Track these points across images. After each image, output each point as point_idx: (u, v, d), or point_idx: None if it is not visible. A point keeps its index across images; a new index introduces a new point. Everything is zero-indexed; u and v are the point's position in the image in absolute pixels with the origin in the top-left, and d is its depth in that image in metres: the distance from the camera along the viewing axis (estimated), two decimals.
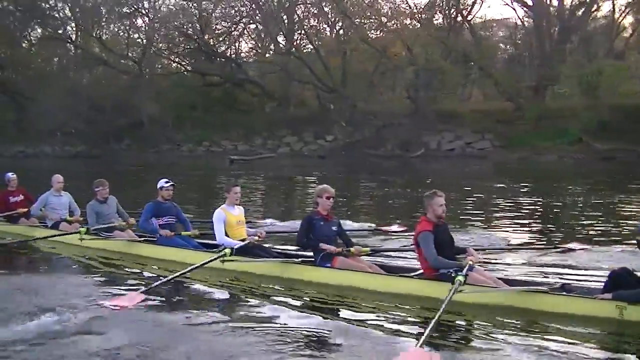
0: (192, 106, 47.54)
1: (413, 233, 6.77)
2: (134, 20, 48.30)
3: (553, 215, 14.70)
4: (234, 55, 45.98)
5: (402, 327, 5.64)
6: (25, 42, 56.41)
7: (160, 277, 7.07)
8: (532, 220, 13.20)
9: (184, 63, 47.13)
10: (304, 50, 45.63)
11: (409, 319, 5.96)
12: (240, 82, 46.85)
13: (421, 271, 6.67)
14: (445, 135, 41.06)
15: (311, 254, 7.36)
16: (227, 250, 7.38)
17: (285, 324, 5.62)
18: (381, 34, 43.58)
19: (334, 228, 7.31)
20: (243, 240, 7.85)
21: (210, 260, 7.21)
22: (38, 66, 55.27)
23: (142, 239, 9.08)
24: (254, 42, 49.35)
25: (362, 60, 44.41)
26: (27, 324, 5.36)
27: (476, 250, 6.89)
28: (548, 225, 12.67)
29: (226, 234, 7.86)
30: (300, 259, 7.47)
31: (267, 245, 8.28)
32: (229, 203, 8.01)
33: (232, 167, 34.82)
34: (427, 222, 6.43)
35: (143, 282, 7.25)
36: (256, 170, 32.39)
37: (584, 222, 12.62)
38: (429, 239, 6.27)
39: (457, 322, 5.85)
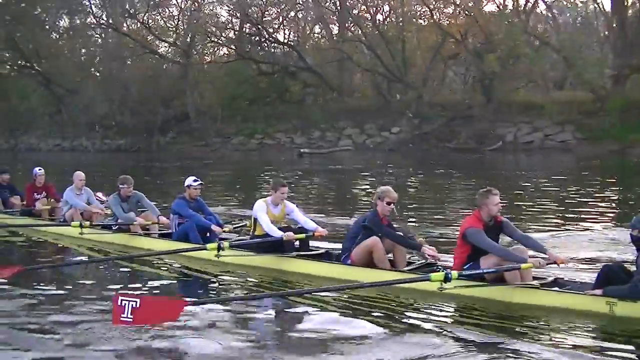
0: (241, 97, 44.53)
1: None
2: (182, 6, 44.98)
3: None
4: (293, 42, 42.17)
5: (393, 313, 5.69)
6: (59, 31, 53.38)
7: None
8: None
9: (236, 51, 43.62)
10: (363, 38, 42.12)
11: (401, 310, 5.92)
12: (294, 71, 43.70)
13: (424, 262, 6.79)
14: (521, 127, 37.93)
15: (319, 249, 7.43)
16: (216, 245, 7.25)
17: (285, 322, 5.61)
18: (451, 20, 40.13)
19: None
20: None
21: (195, 249, 7.28)
22: (76, 56, 52.34)
23: (144, 232, 9.11)
24: (308, 28, 45.67)
25: (429, 47, 41.05)
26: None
27: None
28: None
29: (256, 228, 7.75)
30: (295, 253, 7.37)
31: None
32: (272, 201, 7.81)
33: (301, 161, 32.02)
34: (477, 220, 6.25)
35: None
36: (328, 163, 29.59)
37: None
38: (479, 233, 6.12)
39: (443, 317, 5.78)
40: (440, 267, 6.33)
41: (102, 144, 48.55)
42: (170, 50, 47.22)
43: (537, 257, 6.14)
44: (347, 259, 6.91)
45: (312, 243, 7.96)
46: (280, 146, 41.51)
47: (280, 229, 7.65)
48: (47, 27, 54.45)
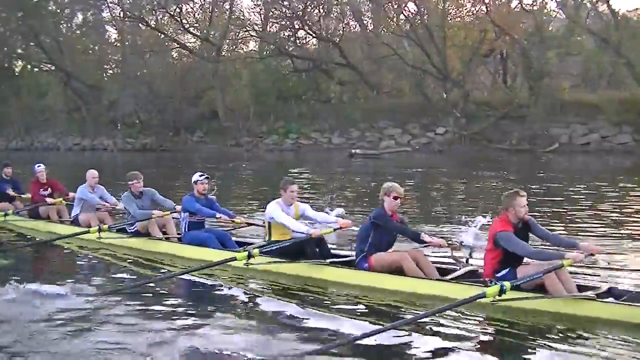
0: (273, 95, 42.26)
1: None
2: None
3: None
4: (336, 39, 39.85)
5: (443, 330, 5.37)
6: (81, 25, 51.19)
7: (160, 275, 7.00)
8: None
9: (276, 45, 41.28)
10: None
11: (449, 324, 5.54)
12: (327, 69, 41.48)
13: (469, 269, 6.52)
14: (575, 128, 35.75)
15: (349, 256, 7.08)
16: (246, 254, 6.92)
17: (307, 326, 5.44)
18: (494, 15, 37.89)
19: None
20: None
21: (226, 261, 6.88)
22: (99, 52, 50.19)
23: (162, 237, 8.80)
24: (353, 23, 43.35)
25: (465, 44, 38.86)
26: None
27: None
28: None
29: (270, 231, 7.53)
30: (329, 260, 7.07)
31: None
32: (284, 201, 7.56)
33: (353, 162, 29.95)
34: (507, 223, 6.06)
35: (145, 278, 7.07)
36: (384, 165, 27.97)
37: None
38: (510, 237, 5.92)
39: (499, 327, 5.53)
40: (488, 280, 6.06)
41: (125, 143, 46.32)
42: (199, 44, 44.62)
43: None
44: (364, 262, 6.77)
45: (332, 248, 7.77)
46: (317, 146, 39.44)
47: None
48: (63, 22, 52.31)
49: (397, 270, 6.62)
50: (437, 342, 5.15)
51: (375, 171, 25.50)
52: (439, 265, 6.90)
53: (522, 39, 37.49)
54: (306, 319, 5.69)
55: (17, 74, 58.64)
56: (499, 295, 5.45)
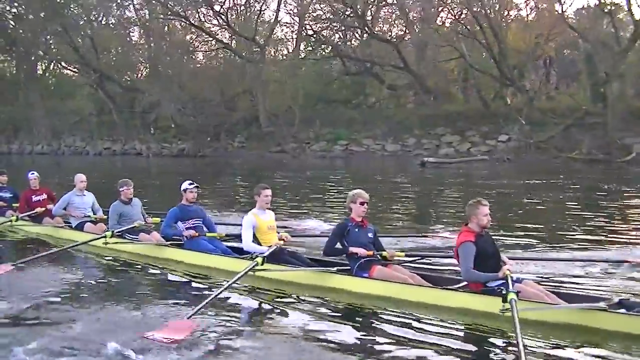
0: (320, 99, 40.22)
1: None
2: None
3: None
4: (395, 40, 37.73)
5: (443, 341, 5.27)
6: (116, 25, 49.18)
7: (204, 294, 6.67)
8: None
9: (332, 46, 39.21)
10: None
11: (451, 333, 5.53)
12: (381, 72, 39.44)
13: (465, 283, 6.39)
14: None
15: (347, 262, 7.12)
16: (259, 260, 7.06)
17: (318, 336, 5.41)
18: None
19: (370, 235, 7.06)
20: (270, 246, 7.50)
21: (244, 272, 6.83)
22: (135, 52, 48.19)
23: (169, 242, 8.75)
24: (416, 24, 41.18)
25: (530, 47, 36.84)
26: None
27: (529, 260, 7.75)
28: None
29: (256, 240, 7.61)
30: (335, 268, 7.13)
31: (302, 250, 8.33)
32: (259, 207, 7.73)
33: (423, 171, 27.91)
34: (468, 232, 6.13)
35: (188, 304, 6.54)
36: (457, 175, 26.43)
37: None
38: (469, 250, 6.03)
39: (505, 339, 5.41)
40: (500, 288, 5.85)
41: (159, 148, 44.13)
42: (243, 45, 42.55)
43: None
44: (363, 272, 6.84)
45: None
46: (370, 153, 37.35)
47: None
48: (93, 20, 50.31)
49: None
50: (440, 353, 5.04)
51: (458, 182, 23.40)
52: (441, 275, 7.07)
53: (595, 41, 35.23)
54: (316, 327, 5.66)
55: (40, 75, 56.92)
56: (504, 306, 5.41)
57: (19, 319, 6.01)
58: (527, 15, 38.77)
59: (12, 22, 53.79)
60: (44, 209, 10.97)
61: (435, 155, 34.62)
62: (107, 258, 8.85)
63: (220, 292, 6.35)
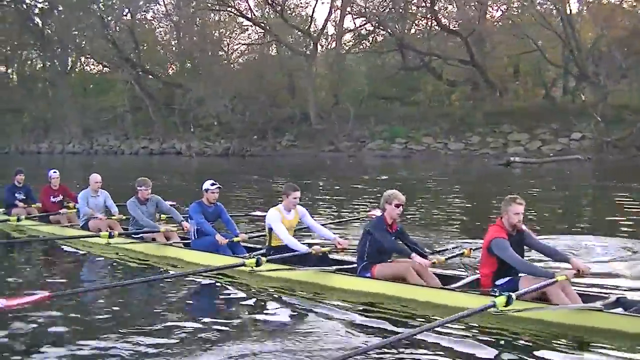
0: (372, 95, 38.43)
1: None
2: None
3: None
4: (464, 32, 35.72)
5: (445, 342, 5.18)
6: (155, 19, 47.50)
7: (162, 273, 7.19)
8: None
9: (394, 37, 37.34)
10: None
11: (453, 333, 5.39)
12: (438, 66, 37.64)
13: (473, 278, 6.43)
14: None
15: (353, 263, 7.05)
16: (254, 260, 6.82)
17: (318, 337, 5.32)
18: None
19: (392, 238, 6.80)
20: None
21: (235, 266, 7.05)
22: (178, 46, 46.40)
23: (172, 242, 8.87)
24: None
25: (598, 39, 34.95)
26: None
27: None
28: None
29: (271, 238, 7.54)
30: (335, 267, 7.08)
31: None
32: (285, 206, 7.61)
33: (510, 171, 26.09)
34: (500, 229, 6.00)
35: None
36: (546, 175, 24.41)
37: None
38: (505, 245, 5.84)
39: (503, 338, 5.31)
40: (491, 289, 5.88)
41: (201, 147, 42.25)
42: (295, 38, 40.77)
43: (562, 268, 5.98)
44: (366, 272, 6.75)
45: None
46: (432, 152, 35.52)
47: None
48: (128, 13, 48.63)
49: (400, 280, 6.57)
50: (440, 353, 4.98)
51: (552, 184, 21.43)
52: (444, 273, 6.86)
53: None
54: (312, 327, 5.61)
55: (71, 71, 55.27)
56: (506, 306, 5.29)
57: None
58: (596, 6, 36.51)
59: (39, 19, 52.50)
60: (68, 211, 11.06)
61: (504, 155, 32.78)
62: (108, 256, 8.76)
63: (201, 272, 6.66)
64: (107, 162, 42.41)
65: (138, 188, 9.17)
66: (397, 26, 37.15)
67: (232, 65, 42.69)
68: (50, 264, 8.82)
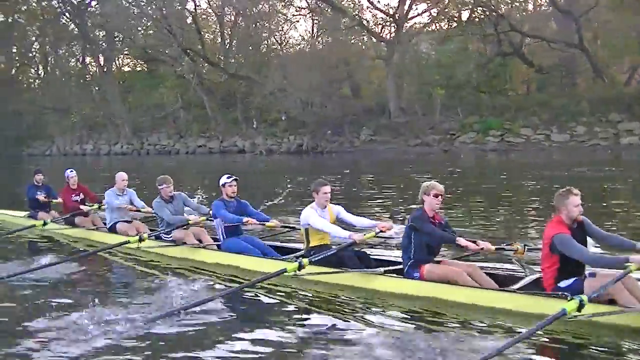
0: (456, 85, 35.78)
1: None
2: None
3: None
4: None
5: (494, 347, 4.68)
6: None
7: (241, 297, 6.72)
8: None
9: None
10: None
11: (506, 338, 4.94)
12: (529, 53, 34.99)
13: (530, 280, 6.19)
14: None
15: (399, 264, 6.80)
16: (297, 264, 6.60)
17: (363, 341, 5.18)
18: None
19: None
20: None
21: (277, 274, 6.59)
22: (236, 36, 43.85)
23: (204, 245, 8.69)
24: None
25: None
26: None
27: None
28: None
29: (308, 238, 7.32)
30: (383, 269, 6.78)
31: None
32: (318, 204, 7.36)
33: None
34: (560, 224, 5.74)
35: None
36: None
37: None
38: (567, 238, 5.58)
39: (572, 345, 5.07)
40: (561, 293, 5.50)
41: (266, 144, 39.66)
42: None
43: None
44: (414, 271, 6.51)
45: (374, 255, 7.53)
46: (533, 145, 32.98)
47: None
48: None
49: (451, 283, 6.32)
50: None
51: None
52: (498, 273, 6.63)
53: None
54: (359, 335, 5.39)
55: (118, 69, 52.94)
56: (578, 311, 5.00)
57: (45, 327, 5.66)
58: None
59: (84, 12, 50.16)
60: (89, 208, 11.09)
61: (617, 146, 30.04)
62: (139, 261, 8.65)
63: (242, 288, 6.41)
64: (161, 162, 39.98)
65: (159, 187, 9.10)
66: (502, 6, 34.50)
67: (305, 55, 39.86)
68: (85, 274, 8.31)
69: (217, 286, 7.08)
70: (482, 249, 6.36)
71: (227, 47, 43.79)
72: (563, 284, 5.61)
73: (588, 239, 5.84)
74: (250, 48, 42.45)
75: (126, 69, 55.37)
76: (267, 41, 43.61)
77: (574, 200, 5.66)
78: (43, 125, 53.37)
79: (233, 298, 6.68)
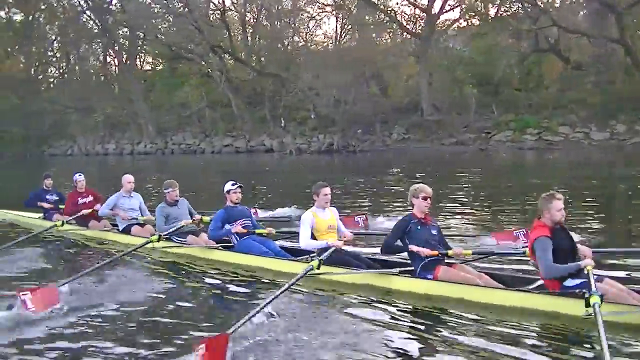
0: (488, 81, 35.28)
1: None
2: None
3: None
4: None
5: (516, 348, 4.90)
6: None
7: (255, 300, 6.60)
8: None
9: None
10: None
11: (525, 338, 5.15)
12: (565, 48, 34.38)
13: (540, 282, 6.11)
14: None
15: (410, 263, 6.90)
16: (315, 263, 6.72)
17: (379, 341, 5.24)
18: None
19: (434, 232, 6.76)
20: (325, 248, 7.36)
21: (300, 277, 6.51)
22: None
23: (219, 244, 8.75)
24: None
25: None
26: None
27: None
28: None
29: (315, 239, 7.54)
30: (397, 269, 6.86)
31: (364, 251, 8.14)
32: (318, 205, 7.59)
33: None
34: (543, 227, 5.89)
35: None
36: None
37: None
38: (546, 244, 5.76)
39: (586, 345, 5.06)
40: (581, 291, 5.39)
41: (297, 143, 39.25)
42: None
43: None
44: (427, 273, 6.53)
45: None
46: (572, 144, 32.29)
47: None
48: None
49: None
50: None
51: None
52: (512, 274, 6.75)
53: None
54: (372, 334, 5.42)
55: (142, 67, 52.60)
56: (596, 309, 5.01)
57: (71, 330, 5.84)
58: None
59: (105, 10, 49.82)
60: (90, 210, 10.96)
61: None
62: (155, 262, 8.79)
63: (272, 300, 6.02)
64: (187, 161, 39.68)
65: (165, 191, 9.30)
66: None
67: (334, 53, 39.40)
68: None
69: (236, 285, 7.28)
70: (459, 255, 6.60)
71: (250, 44, 43.25)
72: (569, 282, 5.66)
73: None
74: (279, 46, 42.01)
75: (147, 67, 55.27)
76: (292, 39, 43.11)
77: (557, 205, 5.80)
78: (64, 125, 53.20)
79: (233, 290, 7.06)
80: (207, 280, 7.60)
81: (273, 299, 5.97)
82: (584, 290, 5.24)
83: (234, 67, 42.48)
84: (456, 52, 37.73)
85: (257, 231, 8.35)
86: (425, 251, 6.46)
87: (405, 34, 38.56)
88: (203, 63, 43.87)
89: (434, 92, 36.78)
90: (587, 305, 4.98)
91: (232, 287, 7.19)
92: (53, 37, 56.11)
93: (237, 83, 42.88)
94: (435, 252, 6.48)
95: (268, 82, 41.76)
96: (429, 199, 6.69)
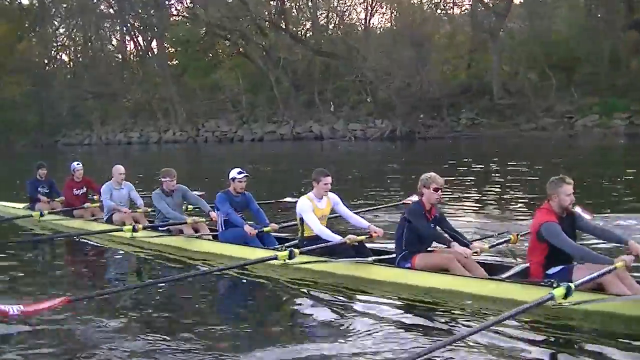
0: (579, 62, 32.99)
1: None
2: None
3: None
4: None
5: (493, 339, 4.87)
6: None
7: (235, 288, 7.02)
8: None
9: None
10: None
11: (506, 329, 5.06)
12: None
13: (522, 267, 6.18)
14: None
15: (391, 253, 6.88)
16: (287, 252, 6.70)
17: (354, 330, 5.20)
18: None
19: (431, 225, 6.62)
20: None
21: (266, 259, 6.79)
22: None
23: (200, 234, 8.79)
24: None
25: None
26: None
27: None
28: None
29: (304, 228, 7.42)
30: (372, 258, 6.89)
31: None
32: (316, 194, 7.45)
33: None
34: (549, 212, 5.75)
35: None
36: None
37: None
38: (556, 229, 5.57)
39: (560, 333, 5.04)
40: (547, 280, 5.50)
41: (349, 129, 36.72)
42: None
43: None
44: (405, 262, 6.55)
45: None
46: None
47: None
48: None
49: (442, 271, 6.38)
50: (493, 351, 4.68)
51: None
52: (489, 262, 6.67)
53: None
54: (349, 323, 5.39)
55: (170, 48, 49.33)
56: (565, 298, 5.04)
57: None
58: None
59: None
60: (90, 205, 10.97)
61: None
62: (135, 251, 8.72)
63: (233, 267, 6.72)
64: (229, 150, 36.85)
65: (162, 179, 9.18)
66: None
67: (397, 31, 36.77)
68: (71, 263, 8.83)
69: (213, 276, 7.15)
70: (476, 252, 6.27)
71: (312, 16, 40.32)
72: (551, 271, 5.64)
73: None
74: (338, 21, 39.32)
75: (171, 50, 51.95)
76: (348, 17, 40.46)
77: (566, 189, 5.66)
78: (80, 112, 50.04)
79: (216, 280, 7.04)
80: (185, 271, 7.38)
81: (227, 268, 6.49)
82: (552, 281, 5.27)
83: (281, 46, 39.51)
84: (532, 29, 35.05)
85: (265, 230, 8.02)
86: (466, 251, 6.19)
87: (481, 6, 35.95)
88: (242, 41, 40.87)
89: (505, 74, 34.31)
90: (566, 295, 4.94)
91: (211, 277, 7.06)
92: (70, 19, 52.85)
93: (283, 64, 39.93)
94: (471, 252, 6.16)
95: (318, 63, 39.02)
96: (440, 191, 6.51)
